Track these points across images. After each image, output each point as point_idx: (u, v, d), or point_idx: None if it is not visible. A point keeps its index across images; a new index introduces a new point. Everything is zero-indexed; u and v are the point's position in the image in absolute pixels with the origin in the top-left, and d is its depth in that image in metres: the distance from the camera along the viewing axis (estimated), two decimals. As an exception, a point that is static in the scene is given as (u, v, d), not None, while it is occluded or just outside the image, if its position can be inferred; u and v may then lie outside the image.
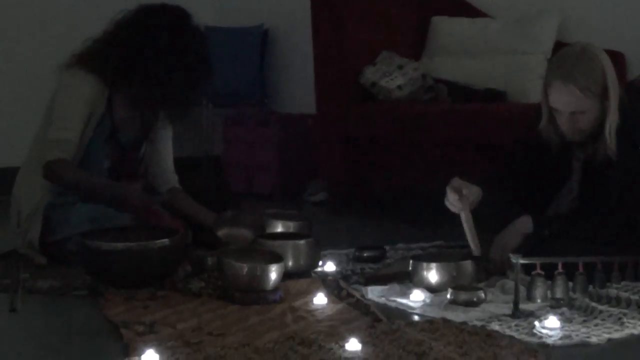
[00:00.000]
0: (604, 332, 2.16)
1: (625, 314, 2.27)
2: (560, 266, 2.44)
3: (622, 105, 2.61)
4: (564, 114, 2.61)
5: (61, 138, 2.92)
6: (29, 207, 2.98)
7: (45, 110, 3.06)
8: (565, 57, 2.62)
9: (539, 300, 2.42)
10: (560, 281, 2.42)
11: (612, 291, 2.42)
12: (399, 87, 4.01)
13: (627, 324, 2.21)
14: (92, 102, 2.97)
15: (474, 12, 4.36)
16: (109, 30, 3.02)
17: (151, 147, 3.18)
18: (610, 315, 2.27)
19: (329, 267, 2.84)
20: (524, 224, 2.68)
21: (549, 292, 2.44)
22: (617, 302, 2.38)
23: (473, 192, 2.65)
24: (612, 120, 2.59)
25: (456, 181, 2.65)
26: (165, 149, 3.22)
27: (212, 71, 3.06)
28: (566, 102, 2.59)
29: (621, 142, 2.61)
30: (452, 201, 2.65)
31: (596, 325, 2.22)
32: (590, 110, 2.58)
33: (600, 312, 2.30)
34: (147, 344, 1.98)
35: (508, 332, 2.17)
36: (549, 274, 2.44)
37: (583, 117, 2.60)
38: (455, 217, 2.70)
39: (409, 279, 2.63)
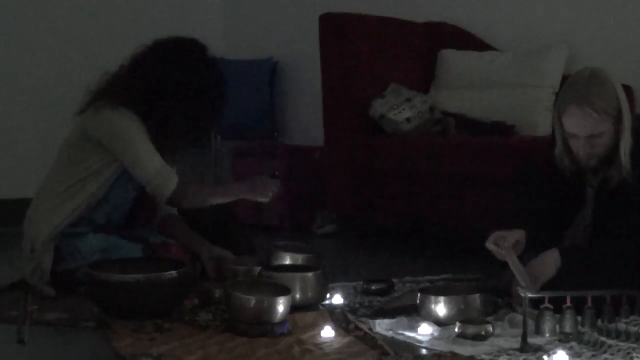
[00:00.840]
0: (613, 367, 2.16)
1: (634, 349, 2.26)
2: (568, 300, 2.43)
3: (635, 131, 2.62)
4: (580, 138, 2.60)
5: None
6: (42, 237, 2.99)
7: (62, 143, 3.09)
8: (576, 82, 2.62)
9: (547, 335, 2.41)
10: (568, 315, 2.41)
11: (621, 325, 2.40)
12: (407, 119, 4.02)
13: (636, 359, 2.20)
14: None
15: (482, 46, 4.38)
16: (126, 66, 3.05)
17: None
18: (619, 350, 2.26)
19: (337, 299, 2.84)
20: (554, 257, 2.60)
21: (557, 326, 2.42)
22: (626, 336, 2.36)
23: (515, 237, 2.60)
24: (627, 142, 2.59)
25: (493, 236, 2.59)
26: None
27: (227, 100, 3.12)
28: (583, 126, 2.57)
29: (636, 166, 2.61)
30: (495, 253, 2.61)
31: (605, 359, 2.21)
32: (606, 133, 2.57)
33: (610, 346, 2.29)
34: (154, 377, 1.98)
35: (516, 366, 2.16)
36: (558, 307, 2.43)
37: (599, 141, 2.59)
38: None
39: (416, 312, 2.61)
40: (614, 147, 2.60)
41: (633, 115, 2.65)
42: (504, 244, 2.56)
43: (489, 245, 2.58)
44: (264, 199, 3.07)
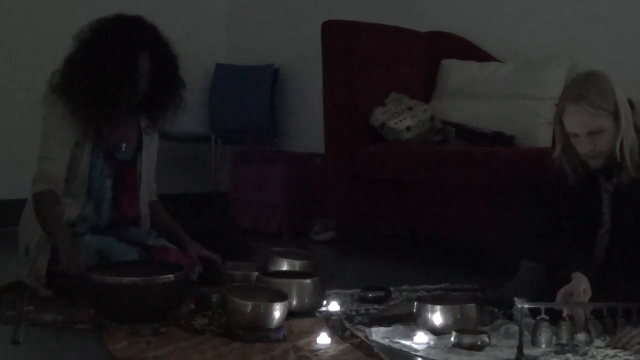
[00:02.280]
0: (608, 379, 2.16)
1: (630, 362, 2.27)
2: (564, 312, 2.43)
3: None
4: (581, 136, 2.61)
5: (45, 169, 3.01)
6: (37, 236, 3.00)
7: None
8: (573, 82, 2.66)
9: (543, 346, 2.40)
10: (564, 326, 2.41)
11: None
12: (408, 128, 4.02)
13: (632, 371, 2.20)
14: (75, 129, 3.04)
15: (484, 56, 4.39)
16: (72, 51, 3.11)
17: (146, 161, 3.26)
18: (615, 363, 2.26)
19: (333, 306, 2.83)
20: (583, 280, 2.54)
21: (554, 338, 2.42)
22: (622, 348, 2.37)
23: (578, 293, 2.51)
24: (628, 138, 2.59)
25: (561, 293, 2.53)
26: (152, 161, 3.31)
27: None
28: (581, 123, 2.60)
29: None
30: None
31: (601, 371, 2.21)
32: (606, 130, 2.59)
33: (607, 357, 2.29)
34: (149, 380, 1.97)
35: (512, 376, 2.16)
36: (554, 318, 2.43)
37: (601, 138, 2.60)
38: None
39: (413, 321, 2.61)
40: (620, 148, 2.61)
41: (636, 113, 2.66)
42: (578, 299, 2.50)
43: (560, 299, 2.51)
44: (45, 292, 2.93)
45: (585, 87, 2.60)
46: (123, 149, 3.17)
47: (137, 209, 3.21)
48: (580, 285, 2.51)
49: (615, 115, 2.59)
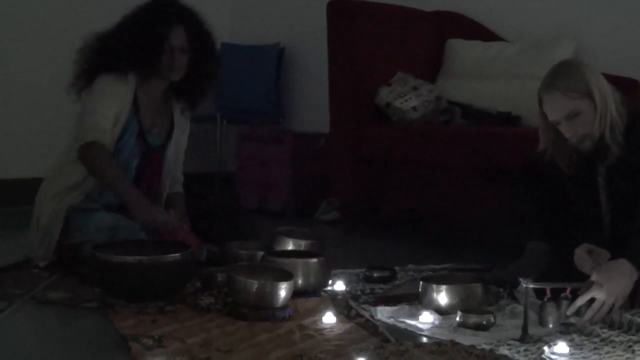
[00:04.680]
0: (615, 359, 2.15)
1: (635, 342, 2.26)
2: (568, 291, 2.43)
3: (630, 112, 2.66)
4: (561, 123, 2.66)
5: (98, 123, 2.99)
6: (48, 210, 3.02)
7: (74, 123, 3.13)
8: (546, 74, 2.73)
9: (550, 326, 2.41)
10: (566, 306, 2.41)
11: (626, 317, 2.41)
12: (414, 108, 4.02)
13: (638, 352, 2.20)
14: (119, 99, 3.05)
15: (490, 36, 4.38)
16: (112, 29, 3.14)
17: (173, 150, 3.27)
18: (621, 343, 2.27)
19: (339, 286, 2.84)
20: (627, 268, 2.47)
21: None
22: (628, 327, 2.37)
23: (602, 254, 2.58)
24: (607, 117, 2.61)
25: (586, 245, 2.59)
26: (181, 152, 3.32)
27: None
28: (555, 110, 2.66)
29: (630, 143, 2.64)
30: (581, 259, 2.57)
31: (607, 352, 2.20)
32: (582, 111, 2.62)
33: (611, 340, 2.29)
34: (155, 358, 1.98)
35: (517, 356, 2.16)
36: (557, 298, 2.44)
37: (579, 120, 2.63)
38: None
39: (418, 301, 2.62)
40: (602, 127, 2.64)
41: (620, 95, 2.69)
42: (597, 258, 2.53)
43: (582, 252, 2.55)
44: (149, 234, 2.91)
45: (553, 76, 2.68)
46: (154, 133, 3.17)
47: (156, 194, 3.21)
48: (599, 250, 2.54)
49: (590, 97, 2.62)
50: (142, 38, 3.04)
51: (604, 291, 2.39)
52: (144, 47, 3.04)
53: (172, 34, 3.07)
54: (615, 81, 2.85)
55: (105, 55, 3.07)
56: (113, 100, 3.04)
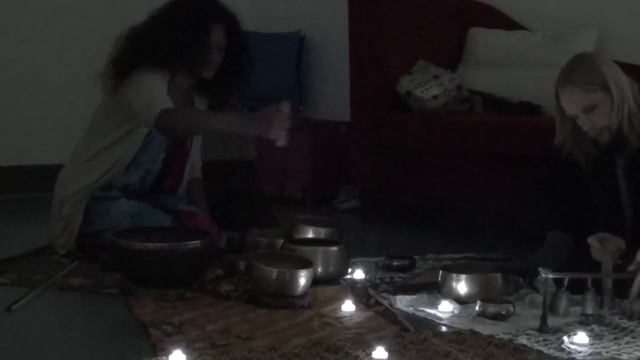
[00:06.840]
0: (635, 350, 2.14)
1: (655, 333, 2.26)
2: (589, 282, 2.42)
3: None
4: (579, 116, 2.67)
5: (156, 98, 2.90)
6: (69, 198, 3.04)
7: (96, 109, 3.15)
8: (561, 69, 2.75)
9: (560, 312, 2.40)
10: (590, 297, 2.40)
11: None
12: (434, 97, 4.00)
13: (658, 343, 2.19)
14: (164, 85, 3.02)
15: (512, 25, 4.35)
16: (142, 25, 3.10)
17: (196, 141, 3.29)
18: (641, 333, 2.26)
19: (358, 274, 2.85)
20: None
21: (579, 308, 2.41)
22: (647, 319, 2.37)
23: (615, 243, 2.56)
24: (624, 108, 2.62)
25: (599, 234, 2.58)
26: (199, 139, 3.34)
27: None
28: (572, 103, 2.68)
29: None
30: (594, 249, 2.57)
31: (627, 342, 2.19)
32: (600, 104, 2.63)
33: (631, 330, 2.28)
34: (175, 345, 1.99)
35: (536, 346, 2.16)
36: (579, 289, 2.42)
37: (597, 113, 2.64)
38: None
39: (437, 290, 2.62)
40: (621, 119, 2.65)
41: (637, 86, 2.70)
42: (609, 245, 2.53)
43: (593, 241, 2.55)
44: (274, 138, 2.79)
45: (570, 70, 2.70)
46: None
47: (179, 185, 3.23)
48: (620, 241, 2.53)
49: (606, 89, 2.63)
50: (182, 33, 3.01)
51: None
52: (183, 42, 3.01)
53: (213, 31, 3.07)
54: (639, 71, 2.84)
55: (141, 48, 3.03)
56: (162, 84, 3.00)
